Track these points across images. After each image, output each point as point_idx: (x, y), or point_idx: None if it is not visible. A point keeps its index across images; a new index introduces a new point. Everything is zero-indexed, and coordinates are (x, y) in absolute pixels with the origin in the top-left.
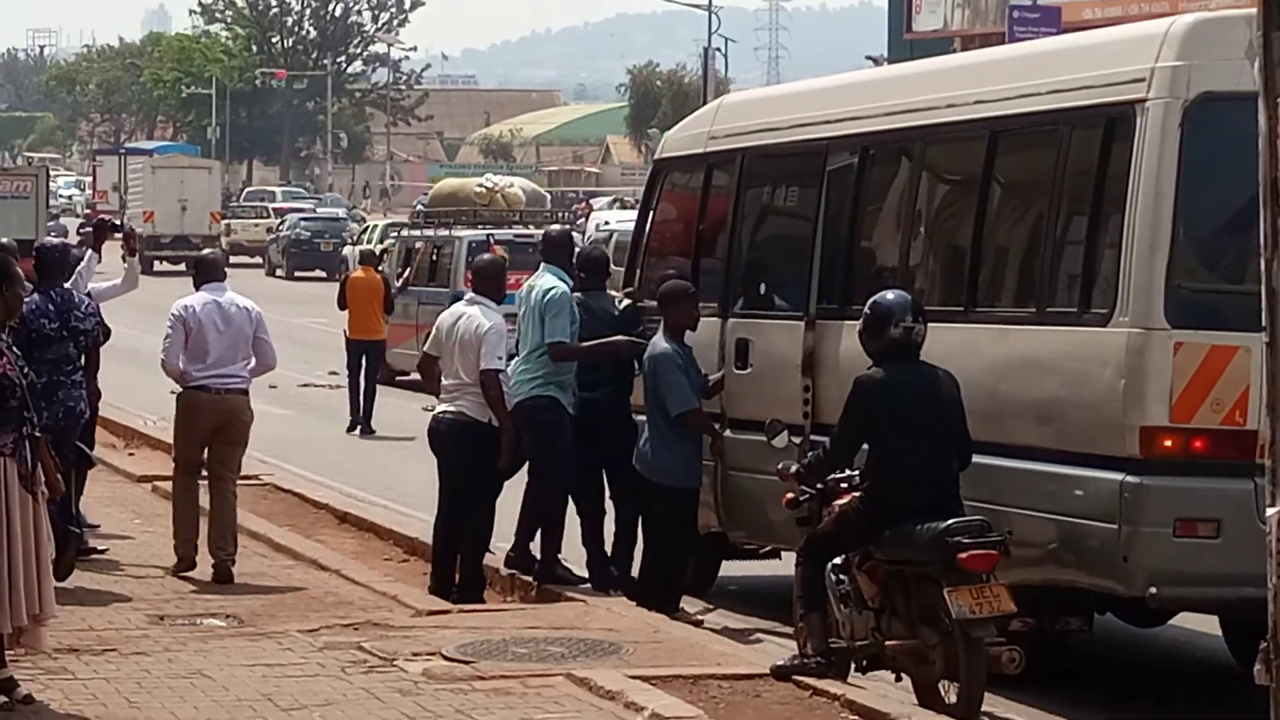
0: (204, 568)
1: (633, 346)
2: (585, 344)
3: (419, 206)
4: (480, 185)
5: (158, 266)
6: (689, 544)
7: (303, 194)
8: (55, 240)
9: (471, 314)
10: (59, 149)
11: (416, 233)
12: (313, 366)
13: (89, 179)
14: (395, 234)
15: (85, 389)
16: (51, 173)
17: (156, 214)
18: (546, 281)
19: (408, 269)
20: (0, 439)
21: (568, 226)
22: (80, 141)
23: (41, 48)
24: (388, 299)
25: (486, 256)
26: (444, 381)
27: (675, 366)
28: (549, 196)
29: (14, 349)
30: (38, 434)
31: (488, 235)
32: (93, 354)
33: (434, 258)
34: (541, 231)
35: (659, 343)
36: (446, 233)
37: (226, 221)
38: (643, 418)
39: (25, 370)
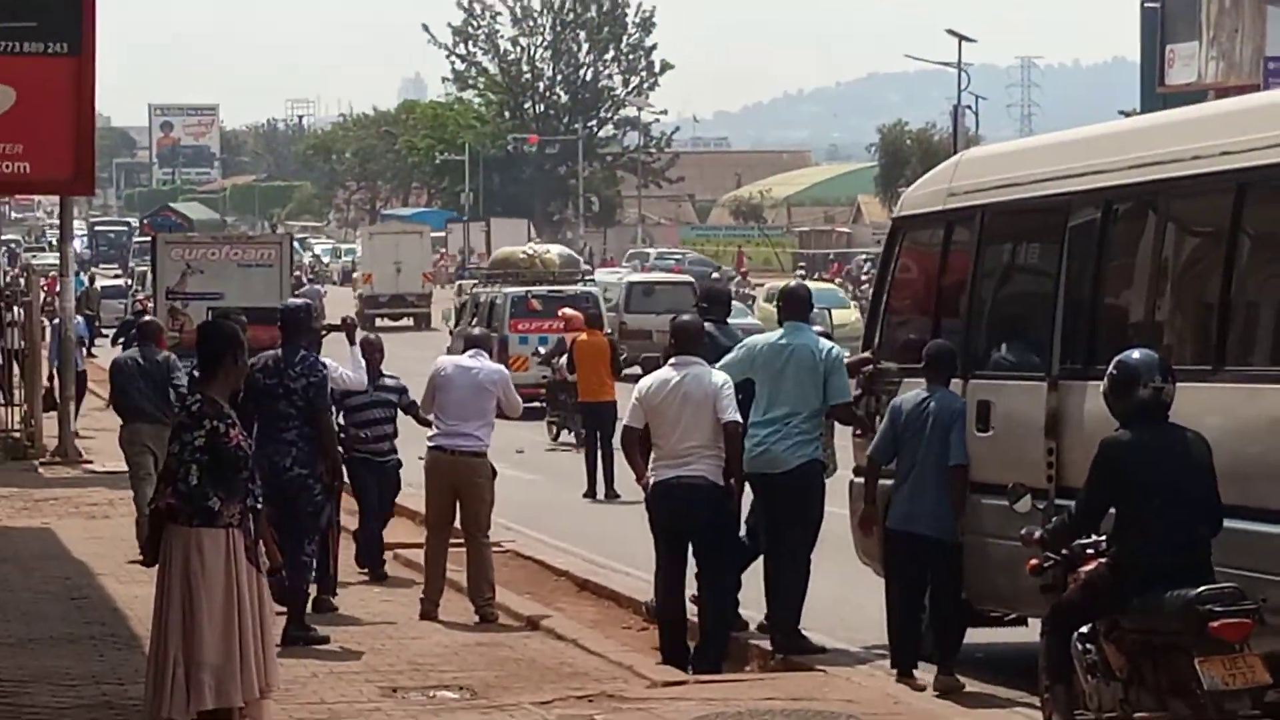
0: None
1: None
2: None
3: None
4: (523, 251)
5: (378, 323)
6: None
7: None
8: (297, 301)
9: (692, 374)
10: (316, 217)
11: (481, 289)
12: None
13: (345, 246)
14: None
15: (298, 449)
16: (311, 241)
17: (374, 276)
18: (820, 340)
19: (475, 319)
20: (229, 510)
21: (805, 283)
22: (337, 209)
23: (300, 118)
24: (614, 360)
25: (687, 317)
26: (669, 446)
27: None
28: (581, 260)
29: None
30: (259, 505)
31: (526, 291)
32: (317, 420)
33: (490, 308)
34: (780, 288)
35: (949, 396)
36: (499, 289)
37: (460, 282)
38: None
39: (251, 442)
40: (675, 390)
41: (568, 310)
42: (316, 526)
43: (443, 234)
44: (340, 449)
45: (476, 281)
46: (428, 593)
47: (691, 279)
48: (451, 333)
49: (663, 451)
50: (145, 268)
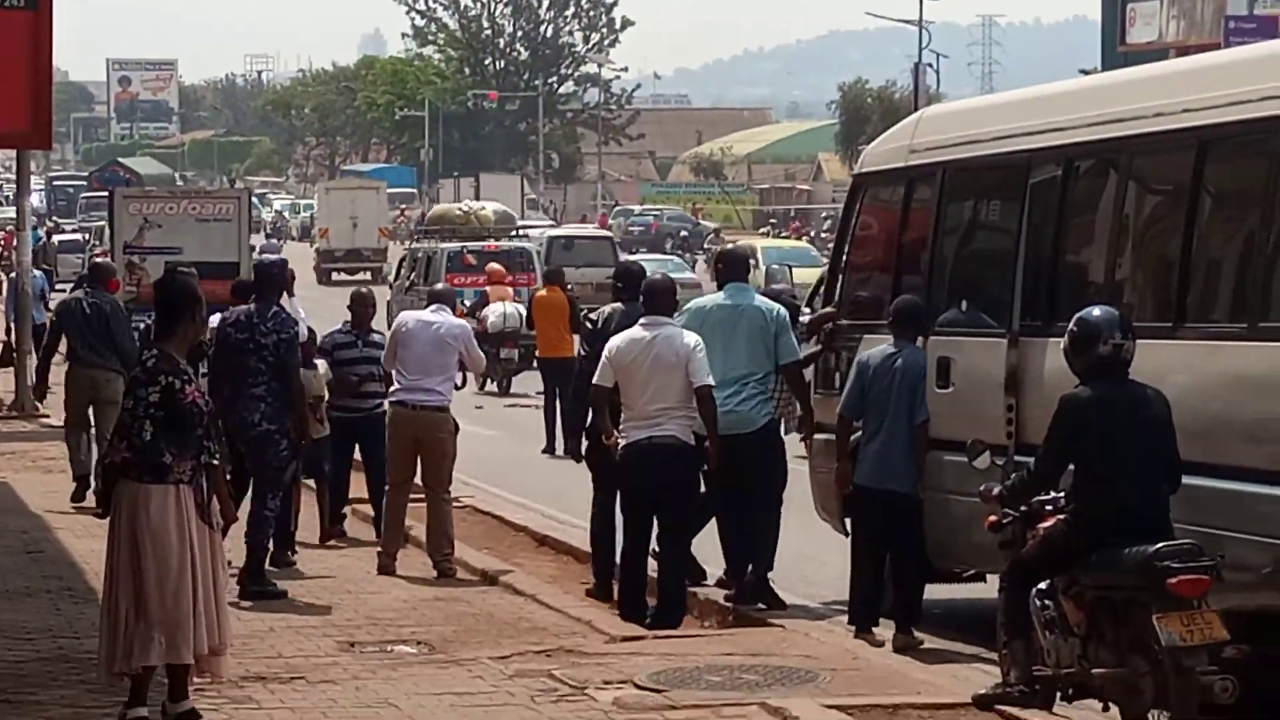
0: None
1: None
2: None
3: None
4: (459, 209)
5: (335, 277)
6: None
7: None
8: (272, 257)
9: (664, 335)
10: (275, 172)
11: (419, 245)
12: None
13: (304, 202)
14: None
15: (267, 404)
16: (270, 196)
17: (331, 230)
18: (763, 300)
19: (413, 273)
20: (179, 466)
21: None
22: (296, 165)
23: (259, 73)
24: (574, 317)
25: (659, 275)
26: (639, 407)
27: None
28: (516, 217)
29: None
30: (215, 462)
31: (461, 247)
32: (286, 376)
33: (428, 263)
34: (718, 251)
35: (915, 352)
36: (435, 245)
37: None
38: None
39: (207, 399)
40: (646, 350)
41: (493, 265)
42: (279, 482)
43: (411, 190)
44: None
45: (416, 236)
46: (386, 546)
47: (610, 234)
48: (391, 286)
49: (633, 413)
50: (95, 223)
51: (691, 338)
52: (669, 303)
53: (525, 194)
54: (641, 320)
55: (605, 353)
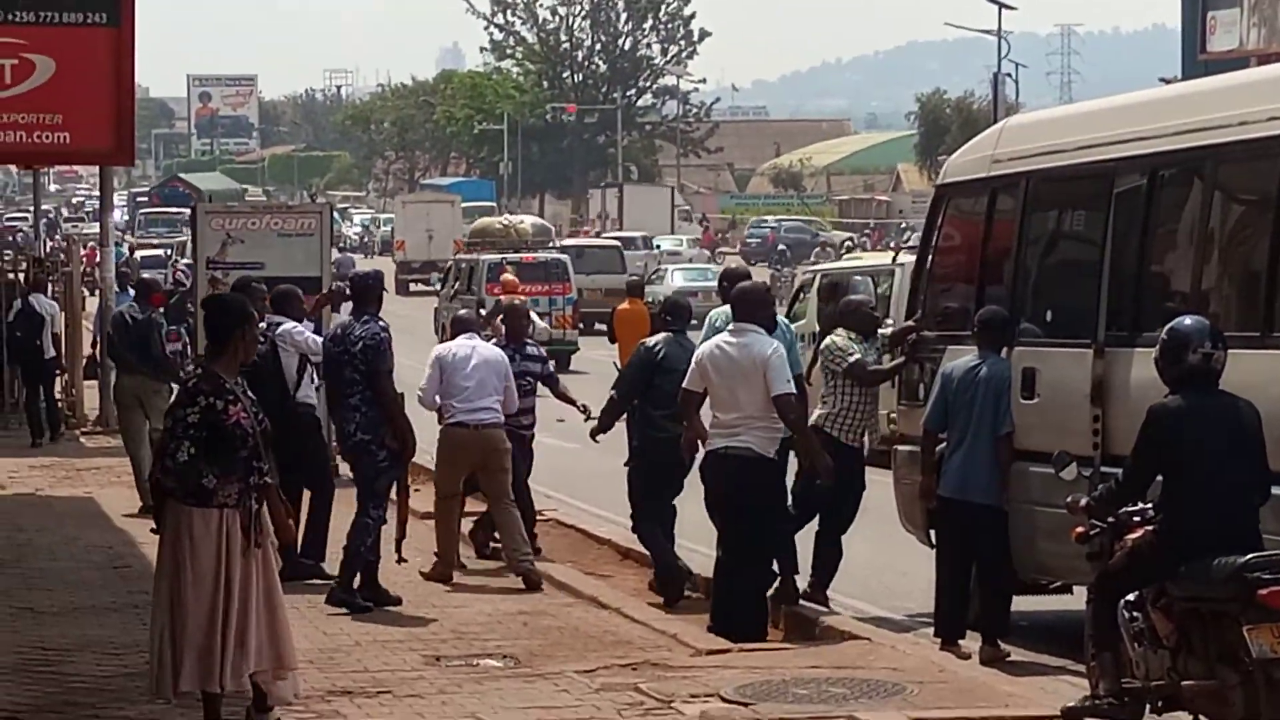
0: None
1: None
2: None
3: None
4: (499, 223)
5: (412, 288)
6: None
7: None
8: (363, 270)
9: (747, 342)
10: (355, 187)
11: (462, 256)
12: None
13: (384, 216)
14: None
15: (362, 414)
16: (351, 211)
17: (407, 243)
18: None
19: (457, 283)
20: (225, 489)
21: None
22: (375, 179)
23: (338, 88)
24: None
25: (748, 283)
26: (719, 415)
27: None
28: (553, 229)
29: (249, 394)
30: (267, 481)
31: (501, 258)
32: (374, 382)
33: (470, 274)
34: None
35: (999, 363)
36: (476, 256)
37: None
38: None
39: (261, 417)
40: (729, 358)
41: (506, 276)
42: (373, 492)
43: (491, 204)
44: None
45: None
46: (443, 555)
47: (618, 244)
48: (437, 294)
49: (718, 421)
50: (161, 238)
51: (772, 344)
52: (755, 310)
53: (677, 205)
54: (730, 327)
55: (695, 358)
